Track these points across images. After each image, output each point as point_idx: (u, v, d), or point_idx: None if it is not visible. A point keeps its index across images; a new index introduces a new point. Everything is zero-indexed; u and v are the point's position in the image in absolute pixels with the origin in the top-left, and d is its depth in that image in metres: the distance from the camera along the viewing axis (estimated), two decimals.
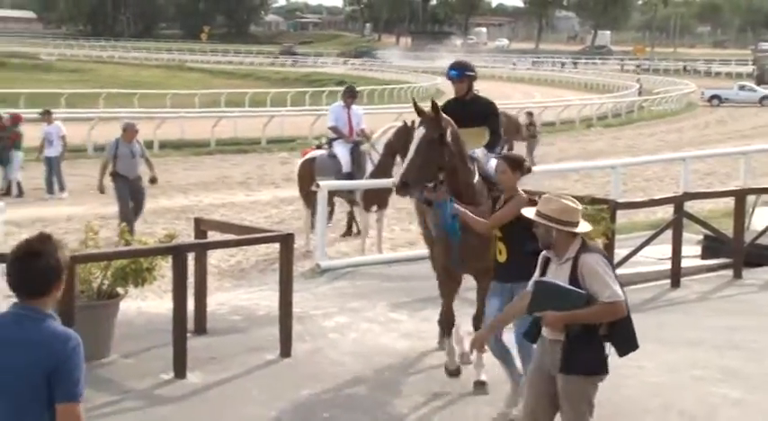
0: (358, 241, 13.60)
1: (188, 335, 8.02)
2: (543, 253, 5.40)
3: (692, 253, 12.27)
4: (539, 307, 5.17)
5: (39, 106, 24.00)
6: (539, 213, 5.29)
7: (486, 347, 6.44)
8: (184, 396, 7.39)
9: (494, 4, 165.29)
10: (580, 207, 5.41)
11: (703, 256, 12.47)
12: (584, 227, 5.31)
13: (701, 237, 12.69)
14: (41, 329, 3.73)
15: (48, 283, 3.80)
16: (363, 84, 50.65)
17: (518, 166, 6.84)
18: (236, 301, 10.30)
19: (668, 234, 11.35)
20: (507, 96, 45.31)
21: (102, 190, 13.73)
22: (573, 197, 11.41)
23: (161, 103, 35.31)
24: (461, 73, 8.08)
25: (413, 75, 63.42)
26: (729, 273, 11.85)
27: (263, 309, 9.74)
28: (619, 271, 10.71)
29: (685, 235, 11.65)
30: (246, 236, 9.56)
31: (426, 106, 7.32)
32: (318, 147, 14.23)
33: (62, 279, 3.88)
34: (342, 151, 13.40)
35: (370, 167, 13.21)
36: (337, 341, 8.95)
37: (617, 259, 10.80)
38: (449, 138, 7.14)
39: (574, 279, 5.12)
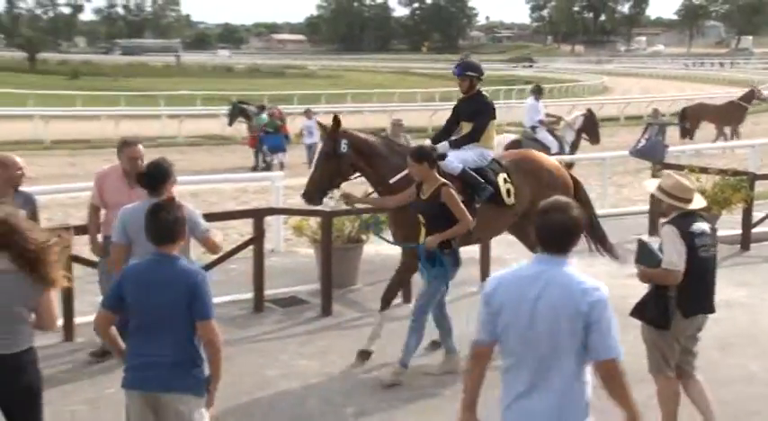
0: None
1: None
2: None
3: None
4: (636, 261, 4.77)
5: (307, 104, 24.94)
6: (658, 186, 4.80)
7: None
8: (407, 315, 7.49)
9: (652, 17, 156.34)
10: (693, 186, 4.83)
11: None
12: (697, 203, 4.73)
13: None
14: (175, 269, 3.77)
15: (173, 233, 3.82)
16: (544, 82, 49.20)
17: (423, 158, 5.75)
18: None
19: None
20: (662, 90, 43.05)
21: None
22: (719, 170, 10.72)
23: (392, 99, 35.83)
24: (462, 72, 6.81)
25: (584, 75, 60.95)
26: None
27: (466, 253, 9.57)
28: (756, 229, 10.15)
29: None
30: None
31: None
32: None
33: (184, 231, 3.90)
34: (545, 135, 13.22)
35: (566, 149, 13.23)
36: None
37: (755, 219, 10.15)
38: (343, 149, 6.16)
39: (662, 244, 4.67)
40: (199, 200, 12.59)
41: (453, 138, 6.81)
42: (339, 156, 6.21)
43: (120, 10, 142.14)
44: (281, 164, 18.57)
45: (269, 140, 18.91)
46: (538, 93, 13.89)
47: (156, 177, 4.91)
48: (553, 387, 3.10)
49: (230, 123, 21.53)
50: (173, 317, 3.72)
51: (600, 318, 3.08)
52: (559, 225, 3.17)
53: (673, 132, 22.17)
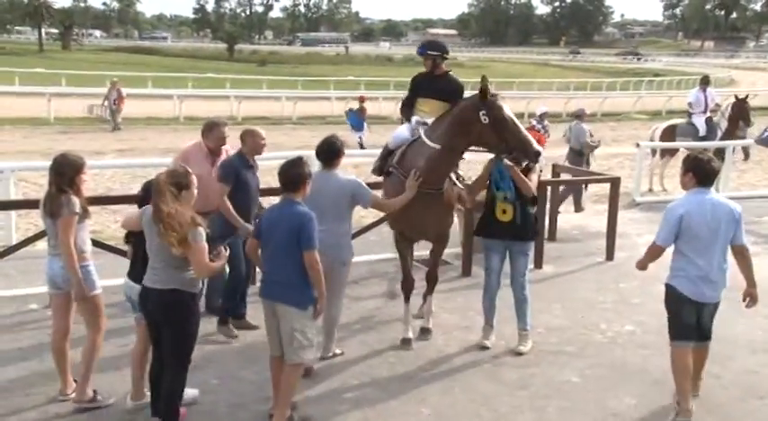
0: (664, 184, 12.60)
1: (544, 240, 7.92)
2: None
3: None
4: None
5: None
6: None
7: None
8: (540, 279, 7.33)
9: None
10: None
11: None
12: None
13: None
14: (294, 210, 4.23)
15: (296, 184, 4.28)
16: (672, 75, 46.37)
17: None
18: (575, 221, 9.93)
19: None
20: None
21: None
22: None
23: (530, 87, 34.87)
24: (424, 51, 6.04)
25: (712, 68, 56.55)
26: None
27: (594, 227, 9.33)
28: None
29: None
30: (585, 177, 9.20)
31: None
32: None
33: (305, 185, 4.31)
34: (699, 121, 12.51)
35: (719, 133, 12.26)
36: None
37: None
38: None
39: None
40: (359, 170, 12.79)
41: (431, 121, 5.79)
42: None
43: (302, 8, 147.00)
44: (360, 144, 17.65)
45: (351, 119, 18.79)
46: (704, 83, 13.14)
47: (328, 153, 5.15)
48: (715, 259, 4.43)
49: None
50: (289, 246, 4.17)
51: (741, 220, 4.44)
52: (717, 168, 4.48)
53: None
